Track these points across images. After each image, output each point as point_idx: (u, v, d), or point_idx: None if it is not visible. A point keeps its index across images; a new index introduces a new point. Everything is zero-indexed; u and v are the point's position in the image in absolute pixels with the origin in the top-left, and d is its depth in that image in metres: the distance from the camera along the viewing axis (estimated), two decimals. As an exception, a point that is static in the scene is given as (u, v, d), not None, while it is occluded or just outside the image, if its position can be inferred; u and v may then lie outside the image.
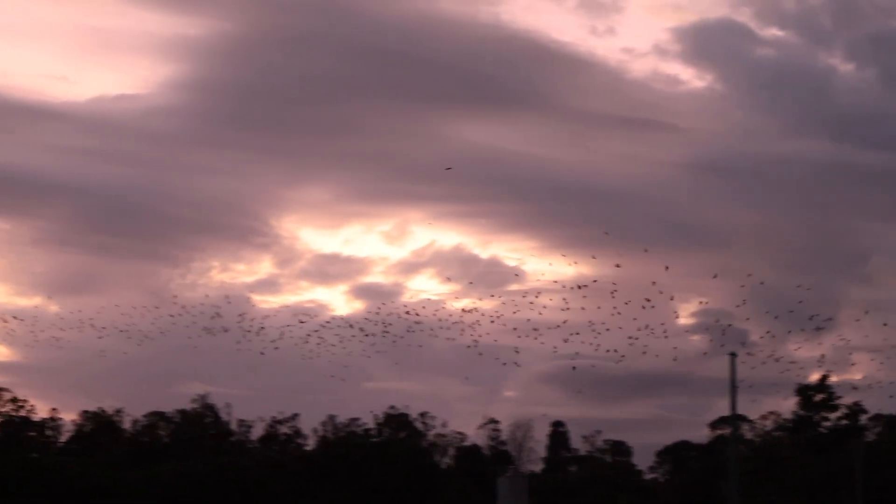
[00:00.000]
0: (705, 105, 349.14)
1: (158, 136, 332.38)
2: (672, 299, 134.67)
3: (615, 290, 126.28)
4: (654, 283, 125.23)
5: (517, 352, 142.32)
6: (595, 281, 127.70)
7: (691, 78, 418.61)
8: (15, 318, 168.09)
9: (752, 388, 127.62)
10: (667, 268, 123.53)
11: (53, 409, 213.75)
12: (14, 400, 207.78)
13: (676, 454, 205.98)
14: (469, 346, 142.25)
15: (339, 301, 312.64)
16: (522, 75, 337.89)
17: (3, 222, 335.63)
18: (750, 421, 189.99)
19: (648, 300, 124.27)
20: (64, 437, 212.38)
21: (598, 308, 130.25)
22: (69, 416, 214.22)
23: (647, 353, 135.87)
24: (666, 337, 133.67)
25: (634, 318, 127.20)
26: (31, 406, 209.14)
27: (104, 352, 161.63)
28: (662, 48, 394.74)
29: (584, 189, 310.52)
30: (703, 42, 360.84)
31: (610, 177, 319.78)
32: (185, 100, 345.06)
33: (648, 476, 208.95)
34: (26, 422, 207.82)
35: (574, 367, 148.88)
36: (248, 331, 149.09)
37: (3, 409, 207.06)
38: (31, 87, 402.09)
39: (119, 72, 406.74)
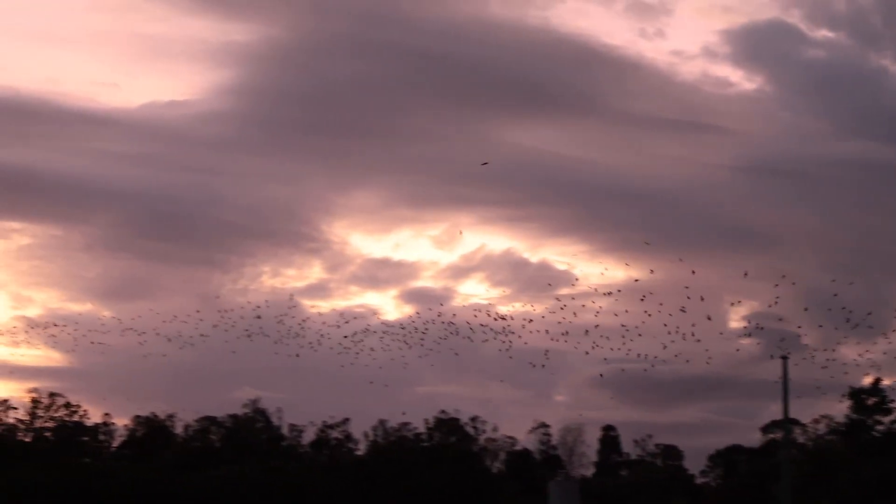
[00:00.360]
0: (755, 107, 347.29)
1: (208, 142, 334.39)
2: (723, 302, 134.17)
3: (666, 294, 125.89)
4: (706, 286, 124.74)
5: (567, 355, 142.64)
6: (646, 284, 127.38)
7: (741, 80, 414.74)
8: (67, 323, 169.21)
9: (805, 392, 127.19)
10: (724, 272, 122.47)
11: (106, 415, 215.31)
12: (67, 405, 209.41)
13: (728, 458, 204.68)
14: (519, 350, 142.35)
15: (389, 306, 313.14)
16: (571, 79, 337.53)
17: (55, 228, 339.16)
18: (802, 425, 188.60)
19: (703, 298, 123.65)
20: (116, 442, 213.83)
21: (649, 312, 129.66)
22: (122, 421, 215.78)
23: (698, 356, 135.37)
24: (718, 340, 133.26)
25: (685, 322, 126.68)
26: (84, 411, 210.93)
27: (156, 356, 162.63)
28: (712, 50, 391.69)
29: (633, 192, 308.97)
30: (752, 44, 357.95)
31: (660, 180, 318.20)
32: (234, 105, 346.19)
33: (700, 480, 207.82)
34: (79, 427, 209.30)
35: (601, 375, 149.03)
36: (299, 335, 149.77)
37: (56, 415, 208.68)
38: (81, 93, 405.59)
39: (169, 78, 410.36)
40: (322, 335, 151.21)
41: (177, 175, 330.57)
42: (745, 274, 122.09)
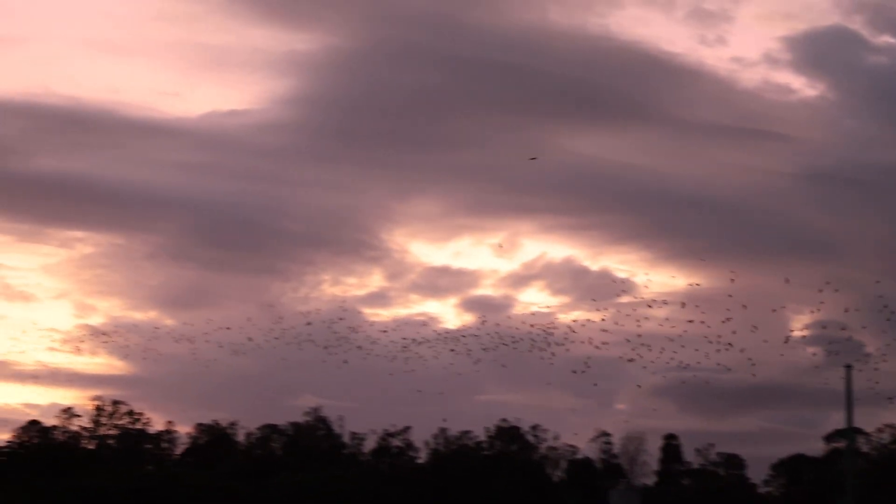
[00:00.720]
0: (817, 114, 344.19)
1: (269, 151, 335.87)
2: (785, 310, 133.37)
3: (728, 302, 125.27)
4: (767, 294, 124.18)
5: (629, 361, 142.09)
6: (708, 292, 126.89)
7: (803, 87, 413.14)
8: (130, 332, 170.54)
9: (869, 400, 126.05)
10: (787, 281, 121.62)
11: (169, 422, 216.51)
12: (130, 413, 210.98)
13: (791, 467, 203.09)
14: (579, 359, 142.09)
15: (449, 314, 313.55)
16: (631, 86, 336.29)
17: (118, 237, 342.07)
18: (866, 434, 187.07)
19: (773, 309, 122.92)
20: (179, 450, 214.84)
21: (710, 320, 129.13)
22: (184, 429, 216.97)
23: (760, 364, 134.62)
24: (780, 349, 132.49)
25: (747, 330, 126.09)
26: (147, 419, 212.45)
27: (218, 364, 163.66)
28: (773, 57, 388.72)
29: (694, 200, 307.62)
30: (814, 50, 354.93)
31: (721, 187, 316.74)
32: (295, 115, 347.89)
33: (763, 490, 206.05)
34: (142, 434, 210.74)
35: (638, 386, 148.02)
36: (359, 344, 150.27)
37: (119, 422, 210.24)
38: (143, 103, 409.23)
39: (230, 87, 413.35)
40: (382, 343, 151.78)
41: (238, 184, 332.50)
42: (786, 280, 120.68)
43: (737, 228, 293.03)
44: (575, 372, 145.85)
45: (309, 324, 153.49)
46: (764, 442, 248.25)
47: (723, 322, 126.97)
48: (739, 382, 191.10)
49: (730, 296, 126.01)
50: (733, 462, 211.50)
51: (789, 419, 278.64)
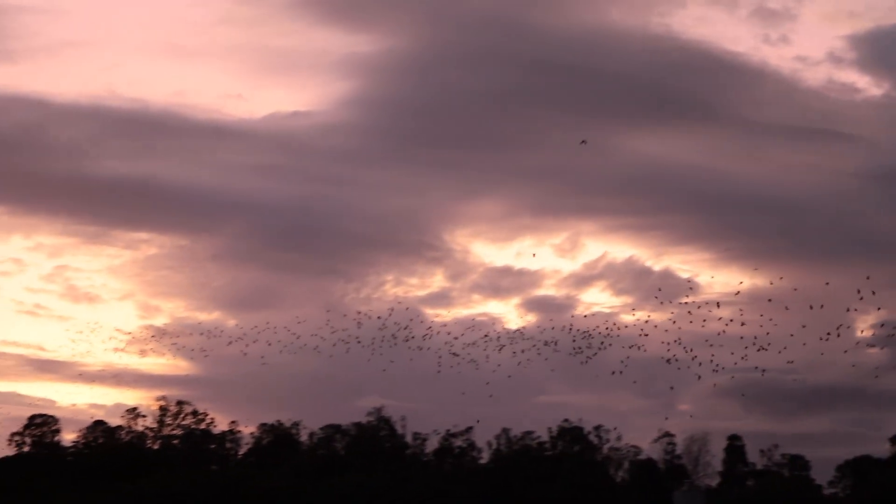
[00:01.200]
0: (883, 113, 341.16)
1: (332, 153, 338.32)
2: (850, 311, 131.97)
3: (792, 303, 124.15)
4: (832, 294, 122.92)
5: (691, 363, 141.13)
6: (772, 292, 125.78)
7: (868, 86, 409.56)
8: (194, 332, 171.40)
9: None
10: (859, 292, 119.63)
11: (232, 422, 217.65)
12: (194, 413, 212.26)
13: (857, 469, 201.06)
14: (642, 359, 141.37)
15: (511, 314, 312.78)
16: (694, 86, 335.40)
17: (183, 239, 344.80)
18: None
19: (838, 310, 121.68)
20: (242, 450, 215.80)
21: (774, 321, 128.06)
22: (248, 429, 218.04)
23: (825, 365, 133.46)
24: (845, 349, 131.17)
25: (812, 331, 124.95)
26: (211, 419, 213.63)
27: (281, 365, 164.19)
28: (837, 56, 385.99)
29: (758, 200, 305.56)
30: (879, 49, 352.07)
31: (785, 188, 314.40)
32: (358, 116, 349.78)
33: (828, 491, 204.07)
34: (206, 434, 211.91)
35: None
36: (421, 344, 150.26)
37: (184, 423, 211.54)
38: (207, 105, 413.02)
39: (293, 89, 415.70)
40: (444, 344, 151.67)
41: (301, 186, 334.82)
42: (877, 283, 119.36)
43: (800, 228, 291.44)
44: (639, 363, 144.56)
45: (367, 324, 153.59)
46: (829, 443, 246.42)
47: (787, 323, 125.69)
48: (804, 383, 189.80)
49: (794, 296, 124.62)
50: (798, 463, 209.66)
51: (855, 420, 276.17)
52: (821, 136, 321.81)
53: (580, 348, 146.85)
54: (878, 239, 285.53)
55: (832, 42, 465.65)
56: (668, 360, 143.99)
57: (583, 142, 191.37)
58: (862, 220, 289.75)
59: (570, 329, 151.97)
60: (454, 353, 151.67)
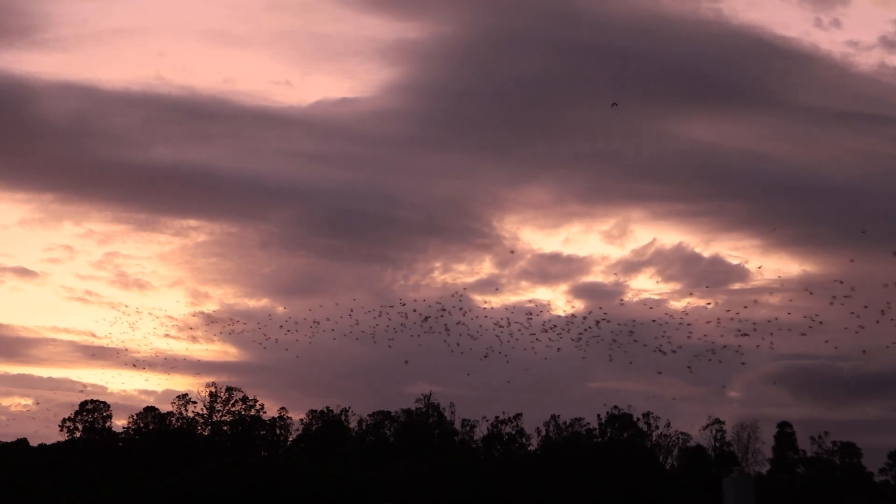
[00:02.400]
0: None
1: (380, 139, 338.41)
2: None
3: (843, 290, 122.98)
4: (884, 281, 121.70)
5: (741, 350, 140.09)
6: (822, 279, 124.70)
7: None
8: (243, 319, 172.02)
9: None
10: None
11: (282, 408, 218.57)
12: (244, 399, 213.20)
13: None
14: (691, 346, 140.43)
15: (559, 301, 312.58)
16: (745, 71, 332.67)
17: (232, 226, 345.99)
18: None
19: (890, 297, 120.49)
20: (292, 436, 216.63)
21: (825, 308, 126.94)
22: (297, 415, 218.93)
23: (878, 352, 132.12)
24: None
25: (864, 318, 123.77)
26: (261, 405, 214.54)
27: (330, 352, 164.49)
28: (890, 40, 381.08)
29: (809, 186, 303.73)
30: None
31: (836, 173, 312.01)
32: (405, 103, 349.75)
33: (879, 479, 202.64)
34: (256, 420, 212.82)
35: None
36: (469, 331, 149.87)
37: (233, 409, 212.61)
38: (255, 92, 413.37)
39: (340, 76, 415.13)
40: (492, 330, 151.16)
41: (349, 173, 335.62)
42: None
43: (852, 214, 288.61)
44: (689, 350, 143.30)
45: (415, 311, 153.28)
46: (881, 430, 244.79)
47: (839, 309, 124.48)
48: (855, 370, 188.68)
49: (846, 283, 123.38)
50: (849, 450, 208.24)
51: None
52: (873, 122, 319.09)
53: (628, 334, 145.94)
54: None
55: (884, 26, 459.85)
56: (717, 348, 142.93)
57: (614, 104, 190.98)
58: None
59: (619, 316, 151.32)
60: (502, 340, 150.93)
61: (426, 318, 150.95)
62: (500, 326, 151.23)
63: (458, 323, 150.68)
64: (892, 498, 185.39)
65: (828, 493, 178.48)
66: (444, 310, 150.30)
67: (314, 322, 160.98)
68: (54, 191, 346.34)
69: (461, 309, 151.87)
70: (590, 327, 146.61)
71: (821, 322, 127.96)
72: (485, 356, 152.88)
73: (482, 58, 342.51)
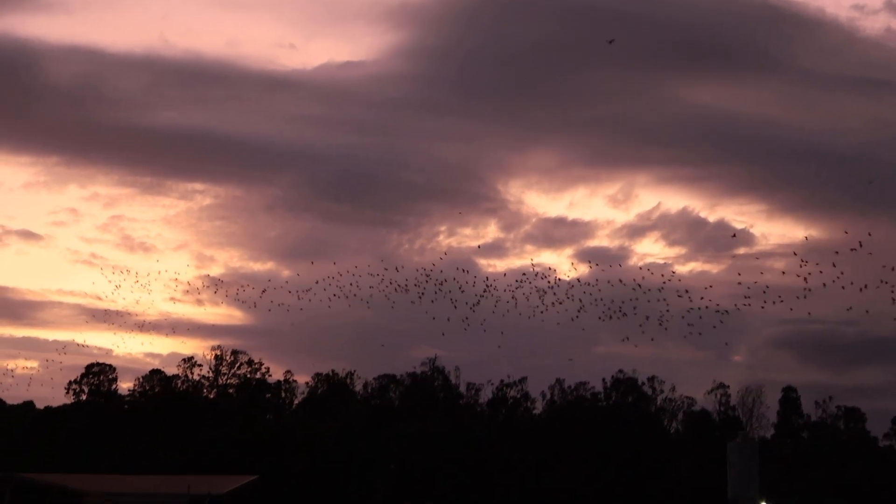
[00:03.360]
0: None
1: (385, 103, 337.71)
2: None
3: (848, 255, 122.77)
4: (889, 246, 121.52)
5: (746, 315, 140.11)
6: (827, 244, 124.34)
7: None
8: (248, 282, 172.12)
9: None
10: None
11: (287, 372, 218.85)
12: (250, 362, 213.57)
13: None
14: (696, 310, 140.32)
15: (564, 265, 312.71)
16: (751, 36, 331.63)
17: (237, 189, 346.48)
18: None
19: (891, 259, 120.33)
20: (298, 399, 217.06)
21: (830, 273, 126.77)
22: (302, 379, 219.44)
23: (882, 317, 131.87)
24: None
25: (869, 282, 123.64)
26: (266, 368, 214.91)
27: (336, 315, 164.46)
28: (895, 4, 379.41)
29: (814, 151, 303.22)
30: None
31: (842, 139, 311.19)
32: (410, 66, 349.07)
33: (883, 444, 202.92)
34: (262, 384, 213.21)
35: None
36: (475, 294, 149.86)
37: (239, 372, 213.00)
38: (259, 55, 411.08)
39: (345, 39, 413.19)
40: (497, 294, 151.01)
41: (354, 136, 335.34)
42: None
43: (858, 180, 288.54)
44: (694, 314, 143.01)
45: (421, 275, 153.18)
46: (885, 395, 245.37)
47: (844, 274, 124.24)
48: (860, 336, 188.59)
49: (851, 248, 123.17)
50: (853, 415, 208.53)
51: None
52: (879, 87, 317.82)
53: (633, 299, 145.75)
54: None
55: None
56: (723, 311, 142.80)
57: (610, 41, 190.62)
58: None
59: (624, 280, 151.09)
60: (507, 304, 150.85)
61: (433, 279, 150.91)
62: (505, 290, 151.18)
63: (462, 287, 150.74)
64: (895, 462, 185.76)
65: (832, 458, 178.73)
66: (448, 273, 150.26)
67: (319, 285, 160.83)
68: (59, 154, 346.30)
69: (466, 273, 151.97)
70: (594, 291, 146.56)
71: (825, 287, 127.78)
72: (491, 321, 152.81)
73: (488, 21, 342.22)
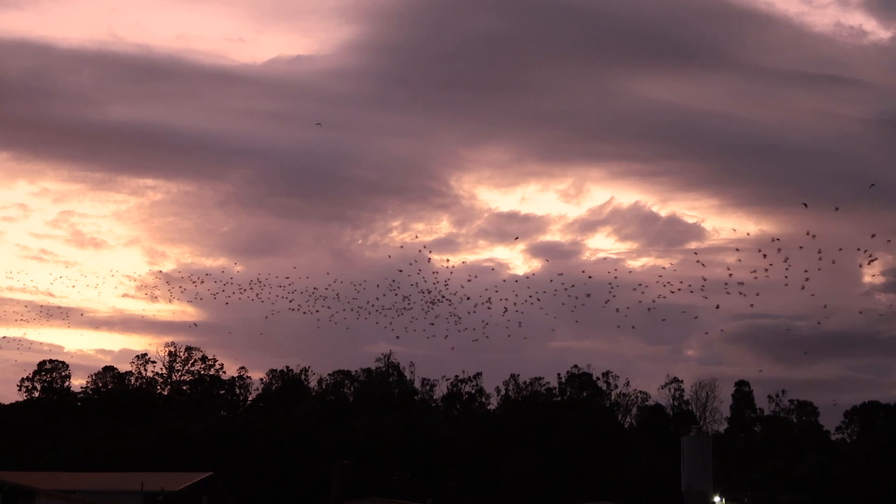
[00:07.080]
0: (891, 57, 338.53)
1: (336, 98, 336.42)
2: (858, 258, 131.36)
3: (799, 249, 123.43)
4: (840, 241, 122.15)
5: (698, 309, 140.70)
6: (779, 239, 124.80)
7: (875, 28, 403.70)
8: (201, 278, 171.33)
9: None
10: (873, 236, 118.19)
11: (241, 368, 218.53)
12: (203, 359, 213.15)
13: (864, 415, 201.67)
14: (649, 305, 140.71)
15: (517, 260, 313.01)
16: (702, 31, 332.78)
17: (188, 185, 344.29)
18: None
19: (846, 257, 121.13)
20: (252, 396, 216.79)
21: (782, 267, 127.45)
22: (257, 375, 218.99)
23: (833, 312, 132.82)
24: (854, 296, 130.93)
25: (819, 277, 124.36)
26: (220, 365, 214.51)
27: (289, 311, 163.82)
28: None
29: (765, 146, 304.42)
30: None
31: (792, 134, 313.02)
32: (362, 61, 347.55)
33: (836, 437, 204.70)
34: (216, 380, 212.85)
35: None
36: (428, 290, 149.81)
37: (193, 368, 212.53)
38: (210, 50, 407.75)
39: (295, 33, 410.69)
40: (450, 290, 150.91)
41: (306, 132, 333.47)
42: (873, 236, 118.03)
43: (808, 174, 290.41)
44: (646, 309, 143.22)
45: (374, 270, 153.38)
46: (837, 389, 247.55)
47: (795, 269, 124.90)
48: (812, 330, 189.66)
49: (801, 243, 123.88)
50: (806, 409, 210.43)
51: (863, 367, 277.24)
52: (829, 82, 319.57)
53: (585, 294, 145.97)
54: (885, 185, 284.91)
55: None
56: (675, 306, 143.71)
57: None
58: (869, 165, 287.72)
59: (576, 274, 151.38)
60: (460, 299, 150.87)
61: (387, 274, 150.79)
62: (458, 285, 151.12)
63: (415, 282, 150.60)
64: (848, 455, 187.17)
65: (784, 451, 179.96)
66: (401, 269, 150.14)
67: (273, 280, 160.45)
68: (8, 149, 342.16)
69: (419, 268, 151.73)
70: (547, 286, 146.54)
71: (776, 282, 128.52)
72: (445, 317, 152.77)
73: (440, 17, 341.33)
